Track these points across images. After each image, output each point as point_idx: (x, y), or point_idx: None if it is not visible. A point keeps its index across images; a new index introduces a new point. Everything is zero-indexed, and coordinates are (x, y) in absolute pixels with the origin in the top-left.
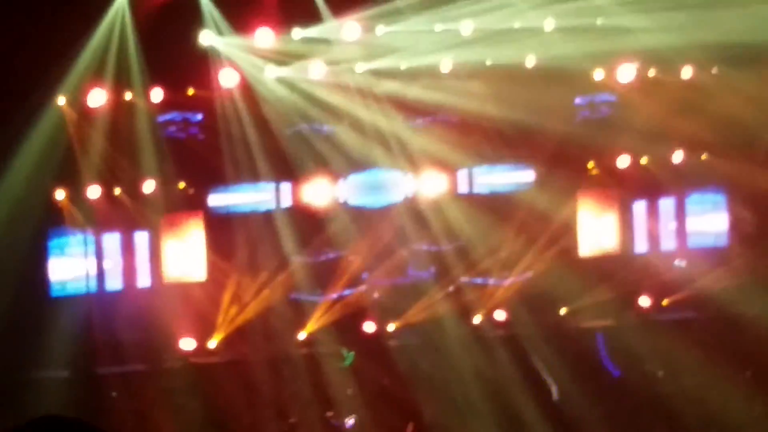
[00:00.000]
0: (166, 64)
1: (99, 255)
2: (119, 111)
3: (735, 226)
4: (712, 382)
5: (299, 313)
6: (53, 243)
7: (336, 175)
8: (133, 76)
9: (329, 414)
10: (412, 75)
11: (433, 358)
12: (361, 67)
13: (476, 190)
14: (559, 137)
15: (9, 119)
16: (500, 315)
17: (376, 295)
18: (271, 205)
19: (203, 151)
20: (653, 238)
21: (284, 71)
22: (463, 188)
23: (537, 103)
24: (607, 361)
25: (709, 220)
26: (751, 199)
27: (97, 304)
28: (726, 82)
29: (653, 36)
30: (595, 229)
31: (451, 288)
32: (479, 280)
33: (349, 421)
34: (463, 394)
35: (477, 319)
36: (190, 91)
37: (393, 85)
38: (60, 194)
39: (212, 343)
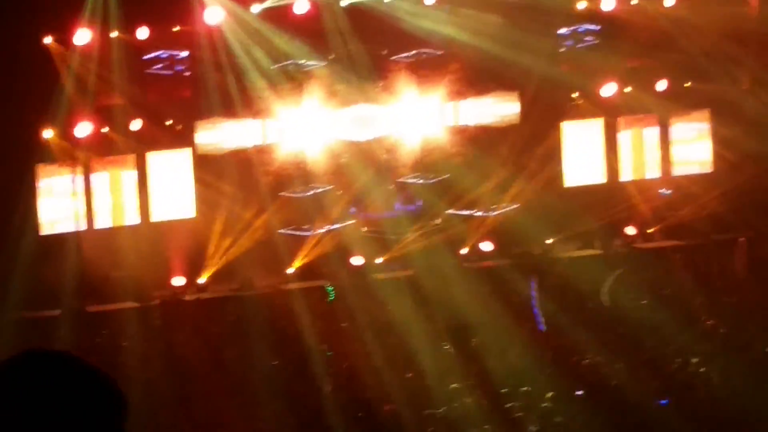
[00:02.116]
0: (151, 2)
1: (87, 193)
2: (106, 49)
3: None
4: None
5: (288, 247)
6: (42, 182)
7: (321, 110)
8: (119, 14)
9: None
10: (395, 8)
11: (420, 289)
12: (345, 1)
13: (461, 122)
14: (543, 67)
15: None
16: (487, 246)
17: (363, 229)
18: (258, 141)
19: (190, 88)
20: (638, 166)
21: (268, 4)
22: (448, 121)
23: (520, 34)
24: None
25: (694, 148)
26: (736, 126)
27: (87, 243)
28: (709, 9)
29: None
30: (580, 159)
31: (437, 220)
32: (465, 212)
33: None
34: (451, 326)
35: (464, 251)
36: (176, 29)
37: (376, 19)
38: (48, 133)
39: (202, 280)
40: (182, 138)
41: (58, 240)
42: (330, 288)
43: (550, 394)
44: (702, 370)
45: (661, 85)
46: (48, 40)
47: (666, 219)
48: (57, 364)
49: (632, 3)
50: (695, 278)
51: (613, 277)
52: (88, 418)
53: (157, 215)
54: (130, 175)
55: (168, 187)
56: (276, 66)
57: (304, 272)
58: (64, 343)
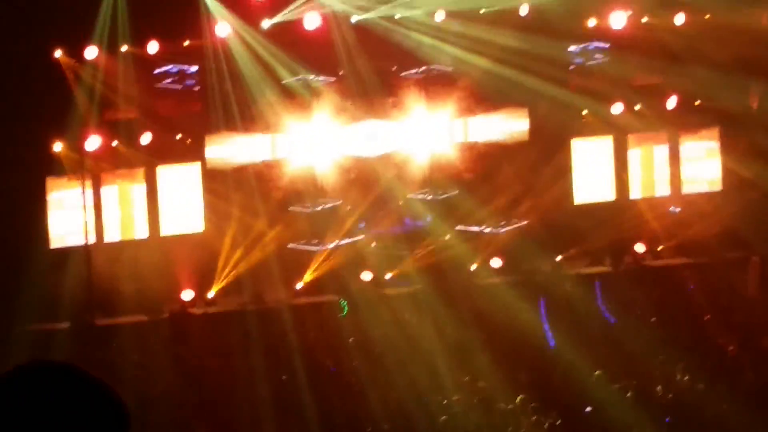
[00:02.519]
0: (161, 17)
1: (97, 207)
2: (116, 63)
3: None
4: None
5: (297, 262)
6: (52, 196)
7: (330, 125)
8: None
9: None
10: (406, 24)
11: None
12: (355, 17)
13: (471, 139)
14: (553, 85)
15: (5, 72)
16: (496, 263)
17: (373, 244)
18: (268, 156)
19: (200, 102)
20: (648, 184)
21: (278, 19)
22: (457, 138)
23: (530, 50)
24: (603, 308)
25: (704, 166)
26: (745, 144)
27: (97, 256)
28: (719, 27)
29: None
30: (590, 177)
31: (446, 237)
32: (474, 229)
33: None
34: (459, 341)
35: (473, 267)
36: (186, 43)
37: (388, 35)
38: (58, 146)
39: (211, 294)
40: (192, 152)
41: (68, 253)
42: (343, 302)
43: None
44: (706, 388)
45: (671, 103)
46: (58, 53)
47: (675, 237)
48: (60, 376)
49: (642, 21)
50: (705, 296)
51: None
52: (89, 430)
53: (166, 229)
54: (139, 189)
55: (177, 200)
56: (286, 81)
57: (313, 287)
58: (72, 356)
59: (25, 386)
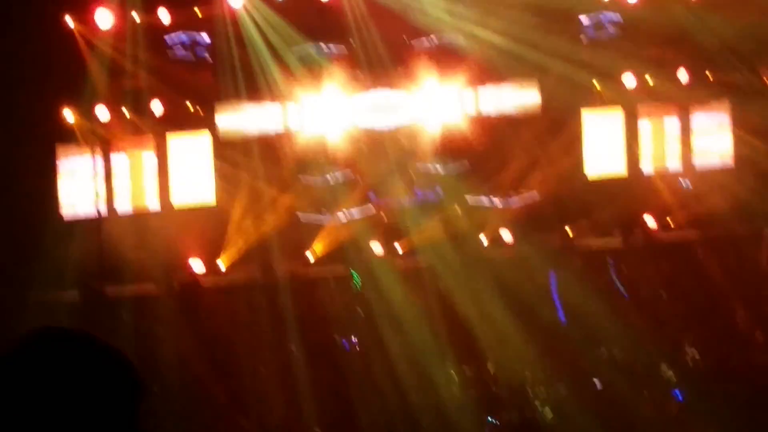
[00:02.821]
0: None
1: (108, 177)
2: (127, 30)
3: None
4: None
5: (307, 233)
6: (63, 165)
7: (341, 95)
8: None
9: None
10: None
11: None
12: None
13: (482, 110)
14: (564, 56)
15: (16, 40)
16: (507, 235)
17: (383, 215)
18: (279, 126)
19: (211, 71)
20: (659, 157)
21: None
22: (468, 109)
23: (542, 21)
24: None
25: (715, 140)
26: (757, 117)
27: (107, 226)
28: (732, 1)
29: None
30: (601, 149)
31: (457, 208)
32: (485, 201)
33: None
34: (470, 314)
35: (483, 239)
36: (197, 12)
37: (397, 2)
38: (68, 113)
39: (221, 265)
40: (203, 121)
41: (79, 222)
42: (355, 275)
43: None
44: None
45: (682, 76)
46: (69, 20)
47: (687, 210)
48: (73, 343)
49: None
50: (716, 270)
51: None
52: (103, 397)
53: (176, 199)
54: (150, 158)
55: (188, 170)
56: (297, 50)
57: (324, 258)
58: (83, 325)
59: (37, 353)
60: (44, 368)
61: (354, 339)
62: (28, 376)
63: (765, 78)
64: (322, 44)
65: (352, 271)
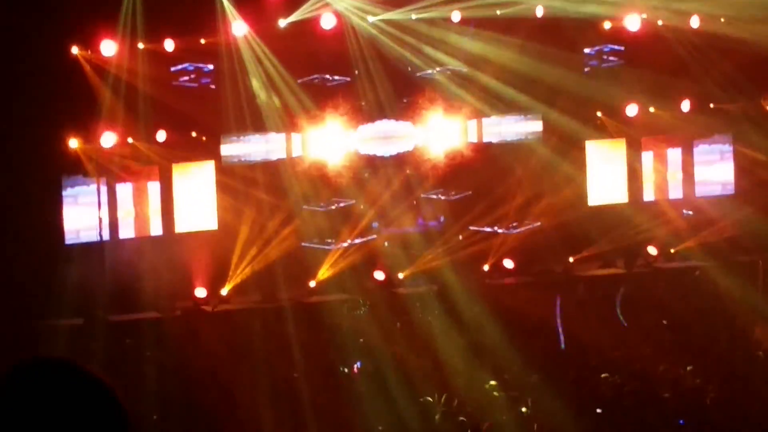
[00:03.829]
0: (177, 14)
1: (112, 204)
2: (132, 60)
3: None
4: (718, 331)
5: (310, 261)
6: (67, 192)
7: (347, 125)
8: (146, 26)
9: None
10: (422, 25)
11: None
12: (371, 17)
13: (485, 139)
14: (568, 86)
15: (22, 68)
16: (509, 263)
17: (386, 243)
18: (282, 155)
19: (215, 100)
20: (661, 186)
21: (294, 18)
22: (472, 138)
23: (545, 52)
24: (617, 311)
25: (717, 170)
26: (759, 147)
27: (111, 253)
28: (734, 31)
29: None
30: (604, 179)
31: (460, 237)
32: (488, 229)
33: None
34: (472, 341)
35: (486, 268)
36: (202, 41)
37: (403, 35)
38: (73, 143)
39: (224, 292)
40: (207, 150)
41: (83, 249)
42: (361, 301)
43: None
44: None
45: (685, 106)
46: (75, 50)
47: (688, 240)
48: (60, 373)
49: (658, 23)
50: (716, 299)
51: (619, 295)
52: (89, 427)
53: (180, 227)
54: (154, 186)
55: (192, 198)
56: (301, 80)
57: (327, 286)
58: (87, 352)
59: (24, 384)
60: (29, 400)
61: (357, 365)
62: (15, 408)
63: (767, 107)
64: (327, 75)
65: (356, 298)
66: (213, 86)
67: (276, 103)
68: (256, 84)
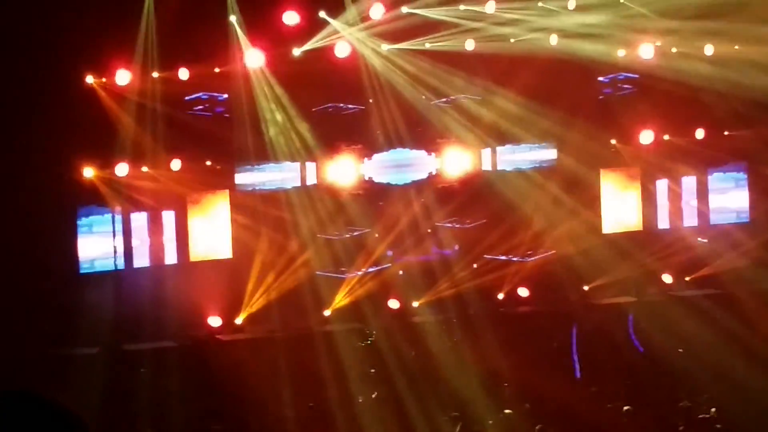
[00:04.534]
0: (192, 43)
1: (127, 233)
2: (147, 89)
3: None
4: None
5: (325, 289)
6: (82, 221)
7: (361, 153)
8: (160, 55)
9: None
10: (436, 54)
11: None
12: (385, 46)
13: (500, 167)
14: (582, 114)
15: (37, 97)
16: (523, 292)
17: (400, 272)
18: (297, 183)
19: (230, 129)
20: (676, 214)
21: (308, 47)
22: (486, 166)
23: (560, 80)
24: (633, 338)
25: (732, 197)
26: None
27: (125, 282)
28: (748, 58)
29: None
30: (618, 206)
31: (474, 265)
32: (502, 258)
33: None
34: (486, 370)
35: (500, 296)
36: (216, 70)
37: (417, 64)
38: (88, 172)
39: (239, 320)
40: (221, 179)
41: (97, 278)
42: (370, 331)
43: None
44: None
45: (699, 134)
46: (90, 79)
47: (703, 267)
48: (24, 406)
49: (672, 52)
50: (732, 327)
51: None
52: None
53: (194, 255)
54: (169, 215)
55: (206, 227)
56: (315, 109)
57: (341, 314)
58: (102, 380)
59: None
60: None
61: (372, 395)
62: None
63: None
64: (341, 103)
65: (367, 329)
66: (227, 115)
67: (290, 131)
68: (269, 113)
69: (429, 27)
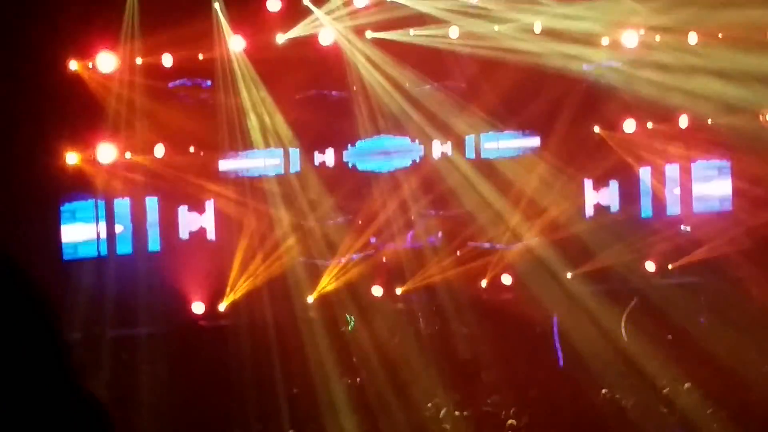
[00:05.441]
0: (175, 29)
1: (110, 219)
2: (130, 75)
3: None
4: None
5: (307, 277)
6: (65, 207)
7: (344, 140)
8: (144, 41)
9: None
10: (420, 41)
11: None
12: (370, 33)
13: (483, 155)
14: (566, 102)
15: (20, 82)
16: (507, 279)
17: (384, 259)
18: (281, 170)
19: (213, 115)
20: (659, 202)
21: (292, 34)
22: (469, 154)
23: (544, 68)
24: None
25: (715, 186)
26: (757, 163)
27: (108, 268)
28: (731, 47)
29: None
30: (601, 194)
31: (458, 252)
32: (486, 245)
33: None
34: (470, 356)
35: (483, 283)
36: (200, 57)
37: (401, 52)
38: (71, 158)
39: (222, 307)
40: (205, 165)
41: (80, 264)
42: (350, 317)
43: None
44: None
45: (683, 122)
46: (73, 64)
47: (686, 255)
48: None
49: (655, 41)
50: (715, 315)
51: (627, 310)
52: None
53: (177, 242)
54: (152, 201)
55: (190, 213)
56: (299, 95)
57: (324, 302)
58: (84, 366)
59: None
60: None
61: (357, 380)
62: None
63: (765, 123)
64: (325, 90)
65: (348, 316)
66: (211, 101)
67: (273, 118)
68: (252, 100)
69: (414, 18)
